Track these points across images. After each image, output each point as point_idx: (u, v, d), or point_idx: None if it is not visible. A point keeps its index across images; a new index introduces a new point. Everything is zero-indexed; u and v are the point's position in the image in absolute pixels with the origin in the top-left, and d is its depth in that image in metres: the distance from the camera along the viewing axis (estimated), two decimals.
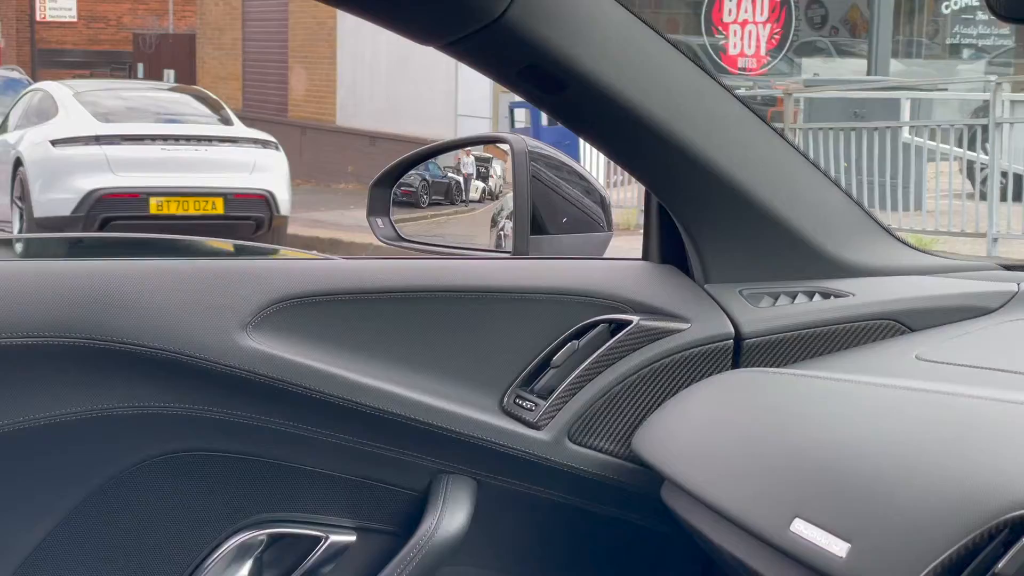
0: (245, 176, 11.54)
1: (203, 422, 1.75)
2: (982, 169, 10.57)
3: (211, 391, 1.74)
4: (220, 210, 11.46)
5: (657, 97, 1.76)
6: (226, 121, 12.46)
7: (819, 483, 1.46)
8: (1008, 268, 1.98)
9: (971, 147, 10.91)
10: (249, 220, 11.53)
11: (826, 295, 1.89)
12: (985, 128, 10.42)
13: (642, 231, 2.02)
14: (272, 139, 12.15)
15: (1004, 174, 10.18)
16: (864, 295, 1.88)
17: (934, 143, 10.91)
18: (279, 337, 1.75)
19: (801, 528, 1.41)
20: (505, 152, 2.29)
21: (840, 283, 1.89)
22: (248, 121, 13.41)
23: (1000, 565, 1.18)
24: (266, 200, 11.64)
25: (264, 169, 11.72)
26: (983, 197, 10.41)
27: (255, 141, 12.03)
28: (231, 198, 11.49)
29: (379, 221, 2.21)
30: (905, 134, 11.05)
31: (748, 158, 1.84)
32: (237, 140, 11.96)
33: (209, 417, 1.75)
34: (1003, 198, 10.12)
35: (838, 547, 1.36)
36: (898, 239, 1.98)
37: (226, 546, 1.80)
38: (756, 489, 1.53)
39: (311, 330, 1.78)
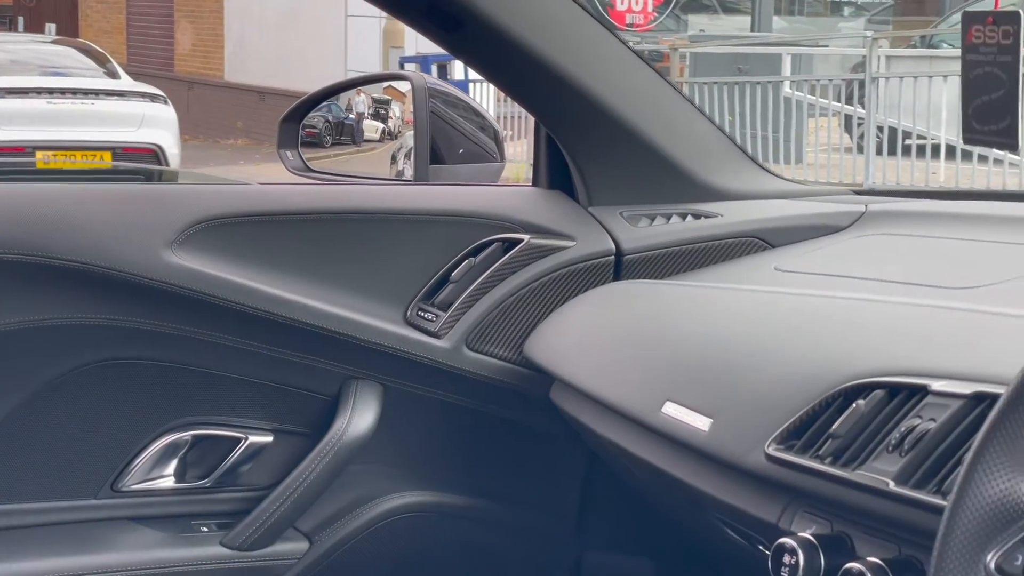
0: (133, 130, 11.47)
1: (133, 333, 1.91)
2: (859, 123, 10.91)
3: (140, 304, 1.90)
4: (108, 164, 11.40)
5: (547, 36, 1.95)
6: (112, 74, 12.37)
7: (687, 371, 1.67)
8: (858, 193, 2.21)
9: (849, 102, 11.25)
10: (138, 174, 11.48)
11: (697, 216, 2.10)
12: (862, 83, 10.75)
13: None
14: (160, 93, 12.08)
15: (880, 128, 10.53)
16: (731, 216, 2.10)
17: (814, 98, 11.23)
18: (202, 255, 1.92)
19: (671, 410, 1.63)
20: (403, 93, 2.47)
21: (709, 206, 2.11)
22: (133, 76, 13.28)
23: (835, 427, 1.40)
24: (155, 154, 11.59)
25: (153, 123, 11.64)
26: (860, 150, 10.77)
27: (143, 95, 11.95)
28: (119, 152, 11.44)
29: (288, 154, 2.37)
30: (786, 89, 11.35)
31: (628, 93, 2.04)
32: (125, 94, 11.86)
33: (138, 328, 1.91)
34: (879, 151, 10.48)
35: (702, 423, 1.57)
36: (761, 166, 2.20)
37: (154, 446, 1.97)
38: (633, 380, 1.74)
39: (231, 248, 1.94)
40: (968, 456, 1.02)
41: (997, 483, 0.98)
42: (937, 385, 1.33)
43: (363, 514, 2.03)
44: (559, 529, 2.18)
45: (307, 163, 2.40)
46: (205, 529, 1.98)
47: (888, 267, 1.85)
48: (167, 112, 11.85)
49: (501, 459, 2.13)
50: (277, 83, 18.15)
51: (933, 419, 1.30)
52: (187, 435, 1.98)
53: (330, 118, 2.59)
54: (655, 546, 2.19)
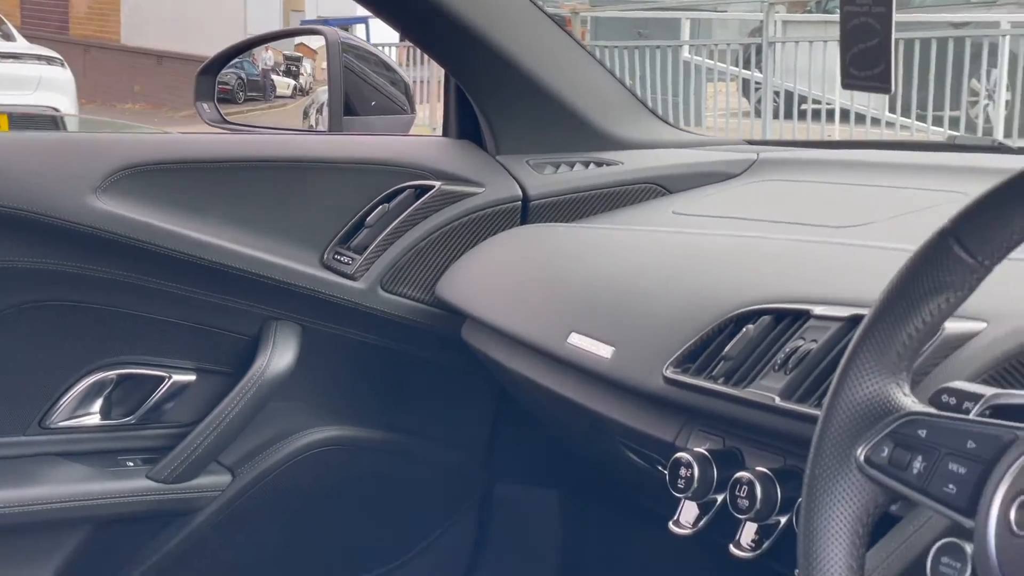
0: (30, 93, 11.33)
1: (60, 276, 1.98)
2: (757, 88, 11.12)
3: (66, 248, 1.97)
4: (5, 128, 11.26)
5: None
6: (7, 36, 12.20)
7: (591, 305, 1.79)
8: (750, 143, 2.34)
9: (747, 66, 11.45)
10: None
11: (599, 164, 2.22)
12: (759, 48, 10.95)
13: None
14: (57, 56, 11.95)
15: (777, 92, 10.74)
16: (631, 163, 2.22)
17: (712, 62, 11.40)
18: (126, 200, 1.99)
19: (576, 340, 1.74)
20: (315, 51, 2.54)
21: (611, 154, 2.23)
22: (28, 39, 13.11)
23: (726, 350, 1.52)
24: (53, 119, 11.46)
25: (50, 86, 11.51)
26: (758, 114, 10.98)
27: (39, 58, 11.80)
28: (15, 116, 11.29)
29: (205, 106, 2.44)
30: (685, 53, 11.52)
31: (534, 47, 2.15)
32: (21, 56, 11.72)
33: (65, 271, 1.98)
34: (775, 115, 10.69)
35: (605, 351, 1.69)
36: (659, 118, 2.32)
37: (81, 385, 2.04)
38: (540, 314, 1.86)
39: (154, 195, 2.01)
40: (841, 364, 1.14)
41: (866, 387, 1.10)
42: (818, 310, 1.46)
43: (283, 448, 2.13)
44: (469, 462, 2.29)
45: (223, 115, 2.47)
46: (131, 464, 2.06)
47: (776, 209, 1.98)
48: (64, 75, 11.71)
49: (414, 395, 2.24)
50: (175, 47, 17.97)
51: (815, 340, 1.43)
52: (112, 374, 2.06)
53: (242, 75, 2.65)
54: (560, 477, 2.31)
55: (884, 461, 1.06)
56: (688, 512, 1.53)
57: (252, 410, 2.06)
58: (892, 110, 9.75)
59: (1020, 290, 1.33)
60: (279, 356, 2.07)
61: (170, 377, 2.08)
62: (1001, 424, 0.99)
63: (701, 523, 1.51)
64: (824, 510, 1.08)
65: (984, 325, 1.30)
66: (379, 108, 2.43)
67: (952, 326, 1.29)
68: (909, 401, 1.05)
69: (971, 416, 1.06)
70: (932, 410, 1.05)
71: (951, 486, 0.99)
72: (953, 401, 1.11)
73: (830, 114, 10.18)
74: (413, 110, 2.42)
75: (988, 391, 1.09)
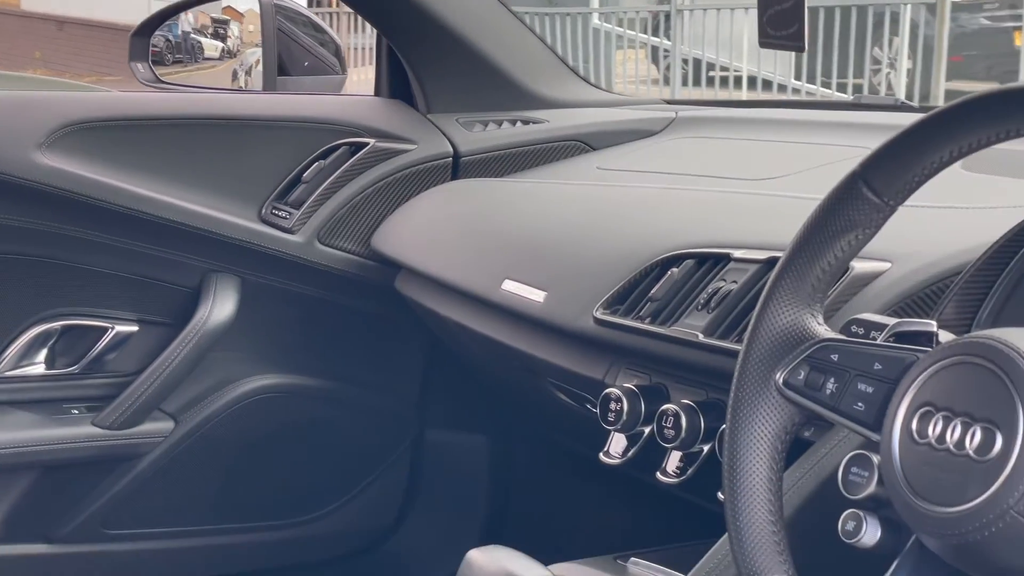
0: None
1: (5, 229, 2.04)
2: (665, 55, 11.26)
3: (12, 203, 2.03)
4: None
5: None
6: None
7: (523, 253, 1.89)
8: (669, 103, 2.46)
9: (656, 34, 11.58)
10: None
11: (526, 122, 2.32)
12: (668, 15, 11.08)
13: None
14: None
15: (685, 60, 10.90)
16: (556, 122, 2.32)
17: (621, 30, 11.52)
18: (70, 156, 2.05)
19: (510, 286, 1.84)
20: (241, 14, 2.61)
21: (537, 113, 2.33)
22: None
23: (652, 291, 1.63)
24: None
25: None
26: (667, 82, 11.12)
27: None
28: None
29: (139, 66, 2.50)
30: (595, 21, 11.62)
31: (463, 8, 2.24)
32: None
33: (10, 225, 2.04)
34: (684, 82, 10.85)
35: (537, 295, 1.79)
36: (583, 79, 2.43)
37: (26, 335, 2.11)
38: (474, 263, 1.96)
39: (97, 151, 2.08)
40: (761, 296, 1.25)
41: (784, 317, 1.21)
42: (737, 253, 1.57)
43: (223, 395, 2.21)
44: (402, 409, 2.39)
45: (157, 75, 2.53)
46: (76, 411, 2.13)
47: (695, 164, 2.10)
48: None
49: (349, 345, 2.33)
50: (77, 12, 17.72)
51: (735, 281, 1.54)
52: (57, 325, 2.12)
53: (171, 37, 2.71)
54: (489, 423, 2.42)
55: (800, 383, 1.17)
56: (617, 444, 1.64)
57: (193, 359, 2.13)
58: (798, 77, 9.95)
59: (921, 234, 1.46)
60: (219, 307, 2.15)
61: (113, 328, 2.15)
62: (904, 348, 1.11)
63: (630, 453, 1.62)
64: (746, 429, 1.19)
65: (889, 265, 1.42)
66: (311, 69, 2.51)
67: (861, 266, 1.41)
68: (823, 330, 1.17)
69: (878, 342, 1.18)
70: (843, 337, 1.17)
71: (860, 404, 1.11)
72: (862, 331, 1.23)
73: (737, 80, 10.35)
74: (344, 71, 2.50)
75: (892, 321, 1.21)
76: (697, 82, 10.59)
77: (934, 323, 1.13)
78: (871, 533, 1.11)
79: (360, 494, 2.40)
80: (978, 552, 0.97)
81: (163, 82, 2.52)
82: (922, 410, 1.04)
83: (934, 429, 1.02)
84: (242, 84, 2.59)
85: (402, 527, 2.45)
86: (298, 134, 2.23)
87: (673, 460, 1.57)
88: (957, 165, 1.08)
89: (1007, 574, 0.98)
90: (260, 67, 2.48)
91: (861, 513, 1.11)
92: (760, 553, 1.15)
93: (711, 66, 10.57)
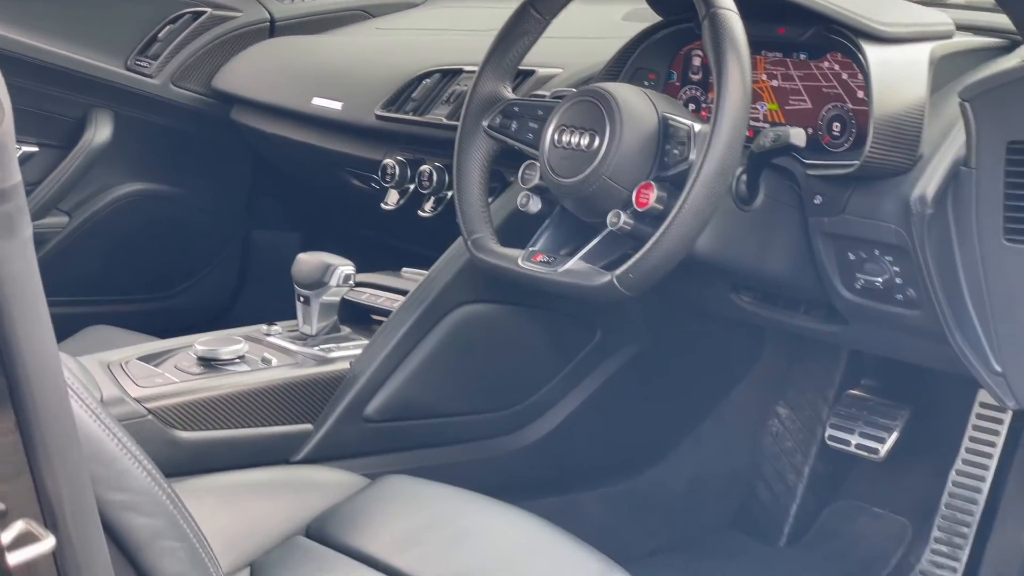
0: None
1: None
2: None
3: None
4: None
5: None
6: None
7: (325, 77, 2.74)
8: None
9: None
10: None
11: None
12: None
13: None
14: None
15: None
16: None
17: None
18: None
19: (318, 101, 2.68)
20: None
21: None
22: None
23: (413, 95, 2.50)
24: None
25: None
26: None
27: None
28: None
29: None
30: None
31: None
32: None
33: None
34: None
35: (337, 105, 2.64)
36: None
37: None
38: (291, 88, 2.79)
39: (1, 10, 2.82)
40: (473, 78, 2.11)
41: (487, 88, 2.08)
42: (467, 68, 2.45)
43: (106, 196, 2.98)
44: (233, 213, 3.20)
45: None
46: None
47: (444, 22, 2.97)
48: None
49: (195, 162, 3.13)
50: None
51: (465, 85, 2.42)
52: None
53: None
54: (301, 222, 3.26)
55: (497, 125, 2.06)
56: (392, 197, 2.50)
57: (82, 170, 2.90)
58: None
59: (586, 56, 2.34)
60: (99, 133, 2.92)
61: (20, 148, 2.89)
62: (552, 99, 2.00)
63: (401, 201, 2.49)
64: (465, 159, 2.07)
65: (561, 70, 2.32)
66: None
67: (543, 70, 2.30)
68: (509, 94, 2.05)
69: (542, 100, 2.07)
70: (522, 97, 2.05)
71: (530, 135, 2.00)
72: (536, 97, 2.12)
73: None
74: None
75: (552, 91, 2.10)
76: None
77: (574, 90, 2.02)
78: (535, 204, 2.00)
79: (200, 280, 3.21)
80: (590, 202, 1.87)
81: None
82: (560, 128, 1.94)
83: (567, 137, 1.92)
84: None
85: (235, 305, 3.27)
86: (152, 4, 3.00)
87: (430, 203, 2.45)
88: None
89: (603, 214, 1.88)
90: None
91: (530, 193, 2.01)
92: (476, 220, 2.04)
93: None
